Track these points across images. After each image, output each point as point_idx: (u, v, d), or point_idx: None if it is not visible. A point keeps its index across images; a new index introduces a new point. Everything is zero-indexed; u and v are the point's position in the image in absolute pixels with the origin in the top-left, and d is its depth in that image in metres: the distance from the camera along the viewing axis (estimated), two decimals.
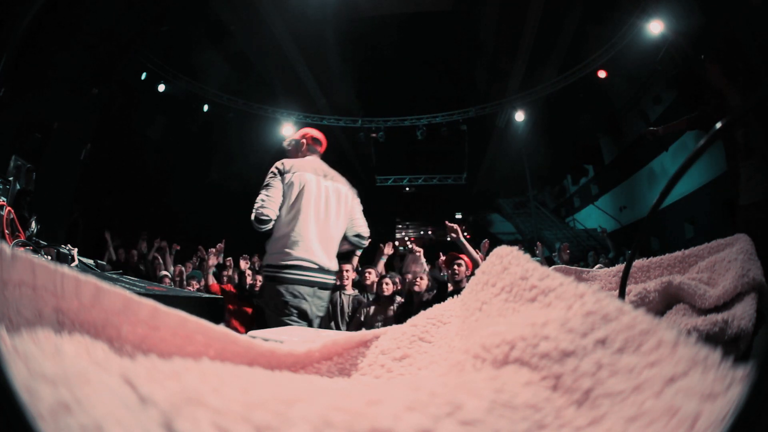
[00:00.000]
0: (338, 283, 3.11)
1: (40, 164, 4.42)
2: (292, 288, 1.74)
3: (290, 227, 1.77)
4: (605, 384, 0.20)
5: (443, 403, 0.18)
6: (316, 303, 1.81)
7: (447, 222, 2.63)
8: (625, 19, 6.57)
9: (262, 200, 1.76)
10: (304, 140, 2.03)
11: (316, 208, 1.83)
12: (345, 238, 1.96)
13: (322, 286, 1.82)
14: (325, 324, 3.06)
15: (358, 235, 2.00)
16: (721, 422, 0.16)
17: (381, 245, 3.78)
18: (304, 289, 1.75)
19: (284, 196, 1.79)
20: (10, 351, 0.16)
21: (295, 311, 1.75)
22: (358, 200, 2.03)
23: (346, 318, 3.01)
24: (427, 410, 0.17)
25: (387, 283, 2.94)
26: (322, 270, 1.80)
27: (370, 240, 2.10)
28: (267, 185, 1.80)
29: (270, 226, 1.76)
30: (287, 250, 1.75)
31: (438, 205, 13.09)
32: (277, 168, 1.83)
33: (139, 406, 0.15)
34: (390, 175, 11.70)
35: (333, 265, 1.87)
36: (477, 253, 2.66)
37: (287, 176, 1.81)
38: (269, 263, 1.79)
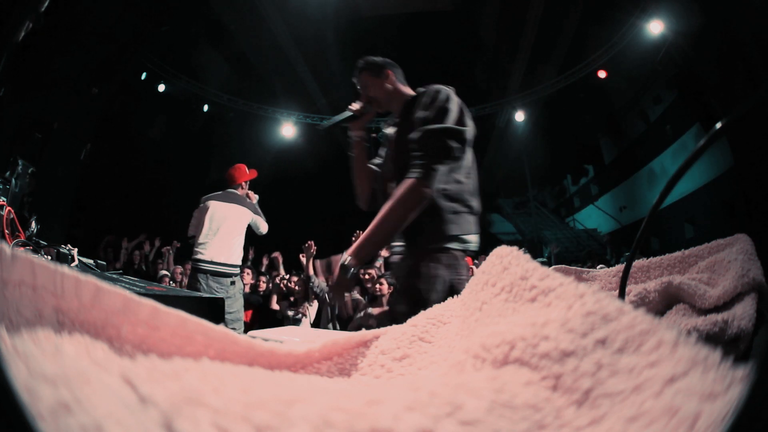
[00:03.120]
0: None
1: (40, 164, 4.42)
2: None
3: None
4: (605, 384, 0.20)
5: (443, 403, 0.18)
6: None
7: None
8: (625, 19, 6.57)
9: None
10: None
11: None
12: None
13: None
14: (324, 325, 3.07)
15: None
16: (721, 422, 0.16)
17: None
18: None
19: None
20: (10, 351, 0.16)
21: None
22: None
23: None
24: (427, 410, 0.17)
25: (382, 283, 2.95)
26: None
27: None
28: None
29: None
30: None
31: None
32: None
33: (139, 406, 0.15)
34: None
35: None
36: None
37: None
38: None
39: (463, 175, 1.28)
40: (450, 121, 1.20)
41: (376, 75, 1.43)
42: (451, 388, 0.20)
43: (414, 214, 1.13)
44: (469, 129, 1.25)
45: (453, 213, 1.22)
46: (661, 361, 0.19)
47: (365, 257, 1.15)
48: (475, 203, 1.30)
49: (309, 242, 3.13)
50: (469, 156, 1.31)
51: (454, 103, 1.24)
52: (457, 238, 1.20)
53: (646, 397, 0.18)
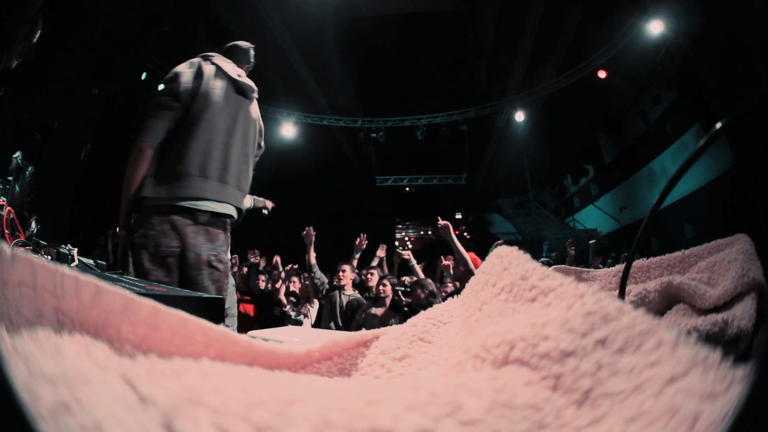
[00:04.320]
0: (336, 283, 3.13)
1: (40, 164, 4.41)
2: None
3: None
4: (605, 384, 0.20)
5: (443, 403, 0.18)
6: None
7: (439, 218, 2.64)
8: (625, 19, 6.57)
9: None
10: None
11: None
12: None
13: None
14: (324, 324, 3.06)
15: None
16: (721, 422, 0.16)
17: (395, 249, 3.83)
18: None
19: None
20: (10, 351, 0.16)
21: None
22: None
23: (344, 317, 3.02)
24: (427, 410, 0.17)
25: (385, 284, 2.94)
26: None
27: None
28: None
29: None
30: None
31: (438, 205, 13.08)
32: None
33: (139, 406, 0.15)
34: (390, 175, 11.69)
35: None
36: (467, 253, 2.66)
37: None
38: None
39: (182, 134, 1.33)
40: (166, 81, 1.34)
41: None
42: (451, 388, 0.20)
43: (136, 170, 1.30)
44: (179, 83, 1.33)
45: (151, 174, 1.31)
46: (661, 361, 0.19)
47: (123, 221, 1.33)
48: (187, 164, 1.32)
49: (307, 228, 3.13)
50: (198, 116, 1.36)
51: (181, 67, 1.37)
52: (153, 198, 1.28)
53: (646, 397, 0.18)
